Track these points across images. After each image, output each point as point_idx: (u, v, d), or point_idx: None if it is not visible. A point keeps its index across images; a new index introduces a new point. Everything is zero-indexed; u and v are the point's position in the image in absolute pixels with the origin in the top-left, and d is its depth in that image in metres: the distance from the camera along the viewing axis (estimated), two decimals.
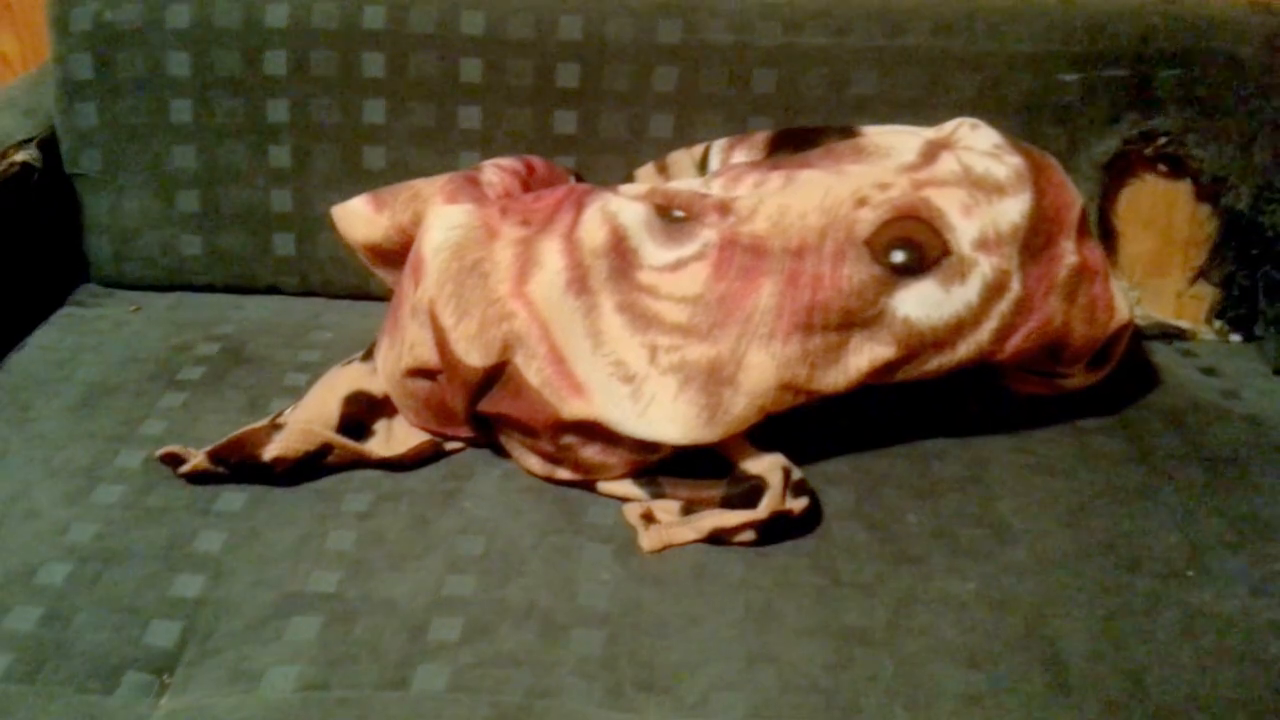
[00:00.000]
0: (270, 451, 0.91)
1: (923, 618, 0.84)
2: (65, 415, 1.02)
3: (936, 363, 0.95)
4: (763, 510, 0.89)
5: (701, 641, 0.81)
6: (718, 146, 1.15)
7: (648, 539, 0.89)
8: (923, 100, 1.17)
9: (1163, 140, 1.18)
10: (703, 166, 1.15)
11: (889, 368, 0.94)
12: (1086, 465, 1.01)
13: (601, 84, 1.17)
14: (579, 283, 0.93)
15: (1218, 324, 1.25)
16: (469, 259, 0.94)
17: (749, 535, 0.89)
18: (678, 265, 0.95)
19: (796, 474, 0.94)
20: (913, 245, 0.94)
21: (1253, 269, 1.21)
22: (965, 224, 0.96)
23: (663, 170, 1.17)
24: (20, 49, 1.45)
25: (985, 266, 0.95)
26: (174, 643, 0.79)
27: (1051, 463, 1.01)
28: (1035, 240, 0.97)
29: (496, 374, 0.93)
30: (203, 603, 0.81)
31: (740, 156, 1.13)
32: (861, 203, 0.96)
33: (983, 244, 0.95)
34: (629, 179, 1.18)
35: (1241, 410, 1.09)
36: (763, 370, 0.91)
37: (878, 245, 0.94)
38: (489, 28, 1.16)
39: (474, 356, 0.92)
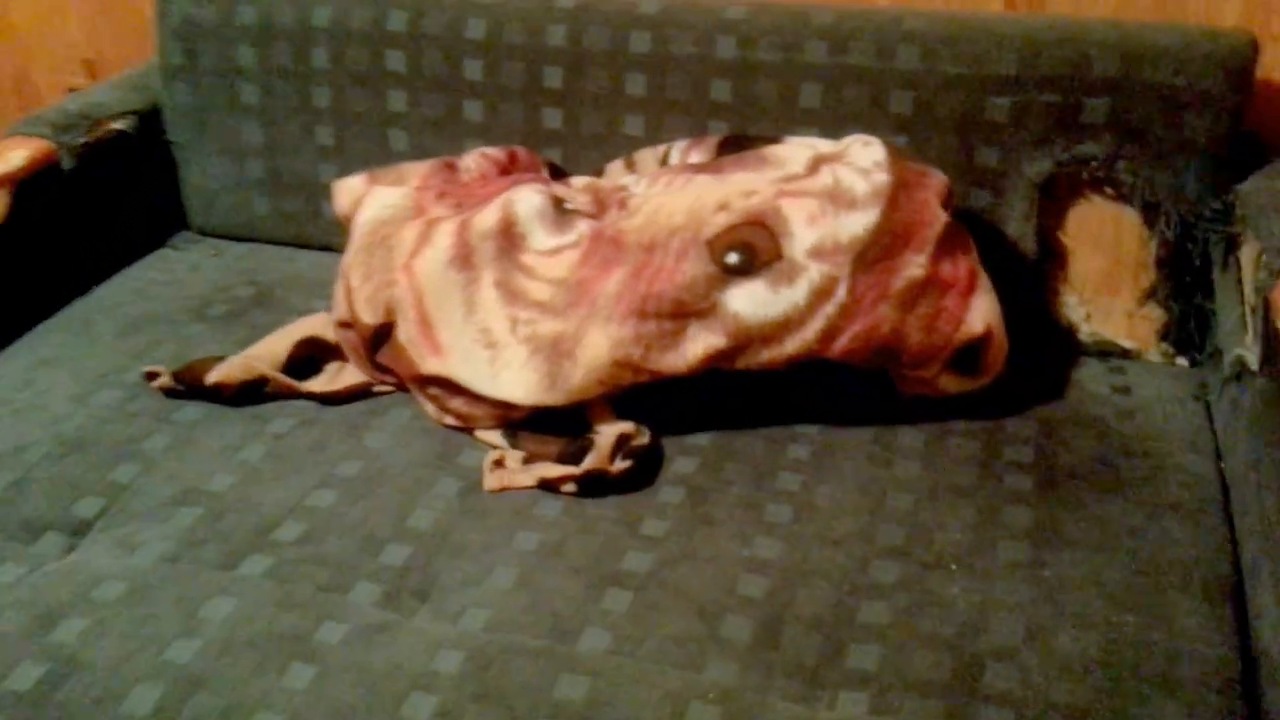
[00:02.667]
0: (211, 377, 1.12)
1: (681, 571, 0.94)
2: (112, 336, 1.27)
3: (767, 355, 1.04)
4: (581, 468, 1.01)
5: (485, 566, 0.95)
6: (678, 147, 1.26)
7: (490, 480, 1.04)
8: (864, 114, 1.23)
9: (1094, 164, 1.19)
10: (664, 163, 1.26)
11: (723, 355, 1.04)
12: (926, 463, 1.06)
13: (583, 86, 1.30)
14: (462, 259, 1.08)
15: (1164, 346, 1.24)
16: (380, 234, 1.11)
17: (570, 487, 1.02)
18: (556, 251, 1.08)
19: (642, 439, 1.05)
20: (748, 249, 1.03)
21: (1188, 296, 1.20)
22: (805, 232, 1.03)
23: (630, 165, 1.29)
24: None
25: (814, 272, 1.02)
26: (93, 515, 1.01)
27: (894, 458, 1.07)
28: (872, 252, 1.04)
29: (385, 332, 1.09)
30: (126, 488, 1.03)
31: (695, 157, 1.23)
32: (722, 207, 1.05)
33: (817, 252, 1.03)
34: (599, 172, 1.31)
35: (1125, 431, 1.11)
36: (598, 348, 1.03)
37: (717, 246, 1.03)
38: (489, 33, 1.32)
39: (367, 315, 1.09)
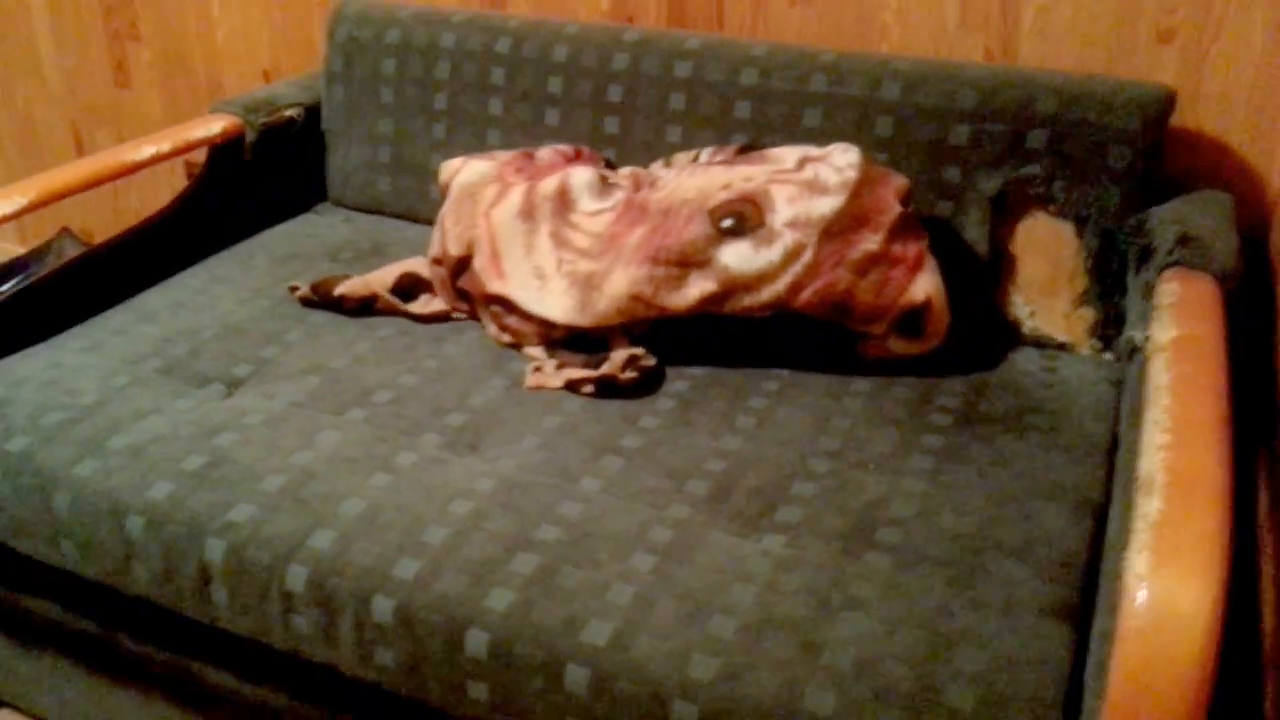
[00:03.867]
0: (338, 289, 1.49)
1: (662, 451, 1.25)
2: (267, 266, 1.65)
3: (748, 301, 1.35)
4: (598, 372, 1.35)
5: (518, 434, 1.28)
6: (706, 152, 1.59)
7: (530, 379, 1.37)
8: (854, 135, 1.54)
9: (1036, 183, 1.47)
10: (694, 163, 1.59)
11: (714, 299, 1.35)
12: (869, 401, 1.35)
13: (636, 101, 1.65)
14: (527, 213, 1.43)
15: (1093, 342, 1.50)
16: (469, 191, 1.47)
17: (589, 388, 1.35)
18: (597, 213, 1.42)
19: (649, 361, 1.38)
20: (739, 217, 1.35)
21: (1110, 297, 1.47)
22: (785, 209, 1.35)
23: (668, 164, 1.62)
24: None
25: (788, 239, 1.34)
26: (245, 375, 1.38)
27: (844, 395, 1.36)
28: (835, 227, 1.34)
29: (465, 263, 1.45)
30: (271, 361, 1.40)
31: (719, 159, 1.56)
32: (725, 187, 1.38)
33: (792, 223, 1.34)
34: (644, 167, 1.65)
35: (1041, 395, 1.36)
36: (619, 284, 1.36)
37: (716, 214, 1.36)
38: (569, 57, 1.67)
39: (454, 249, 1.45)
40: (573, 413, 1.32)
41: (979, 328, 1.51)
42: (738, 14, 1.75)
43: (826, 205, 1.35)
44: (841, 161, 1.40)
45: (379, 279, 1.52)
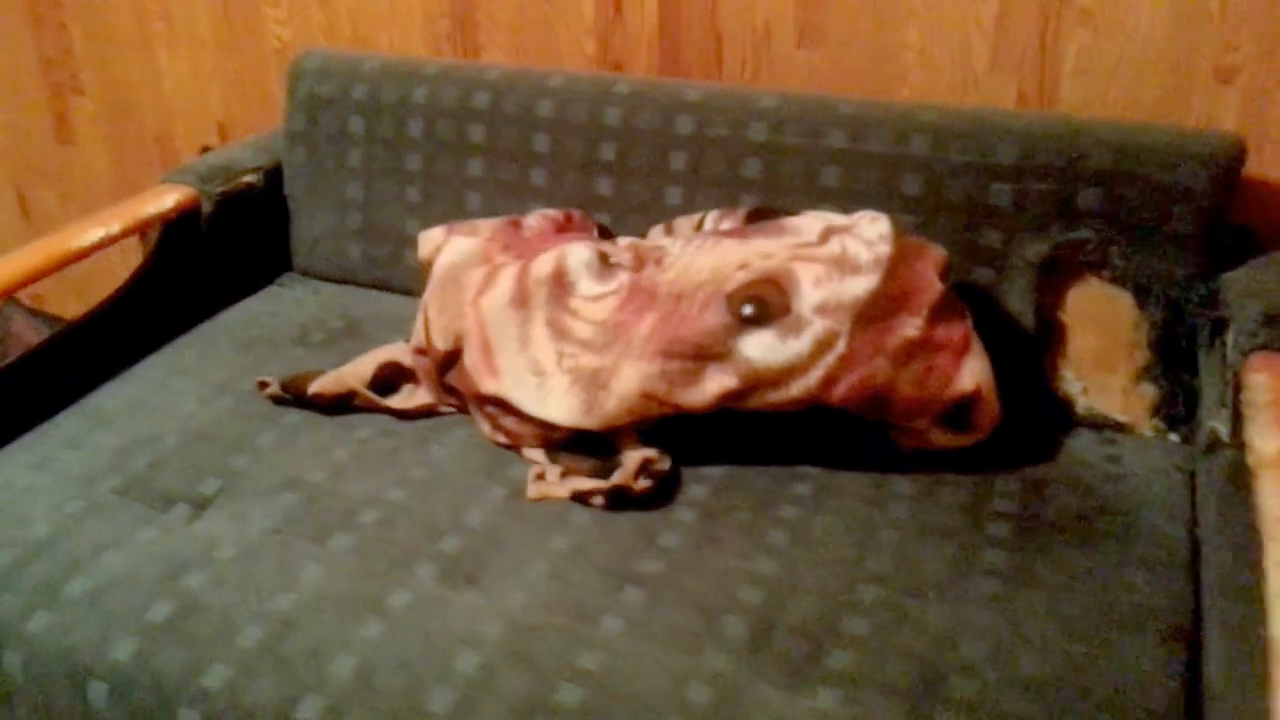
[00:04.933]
0: (312, 388, 1.33)
1: (688, 577, 1.10)
2: (230, 354, 1.49)
3: (774, 397, 1.20)
4: (608, 483, 1.19)
5: (524, 559, 1.12)
6: (711, 216, 1.45)
7: (532, 489, 1.22)
8: (878, 194, 1.40)
9: (1090, 248, 1.33)
10: (699, 228, 1.45)
11: (735, 395, 1.21)
12: (915, 506, 1.19)
13: (632, 160, 1.50)
14: (520, 300, 1.27)
15: (1155, 422, 1.34)
16: (454, 275, 1.31)
17: (599, 500, 1.20)
18: (599, 298, 1.27)
19: (663, 465, 1.23)
20: (761, 302, 1.20)
21: (1176, 375, 1.31)
22: (812, 292, 1.20)
23: (669, 230, 1.48)
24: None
25: (819, 326, 1.19)
26: (213, 493, 1.21)
27: (887, 500, 1.20)
28: (871, 312, 1.20)
29: (454, 357, 1.29)
30: (241, 473, 1.24)
31: (726, 224, 1.41)
32: (742, 266, 1.23)
33: (821, 309, 1.19)
34: (643, 235, 1.50)
35: (1107, 493, 1.20)
36: (629, 381, 1.21)
37: (735, 299, 1.21)
38: (555, 112, 1.52)
39: (440, 342, 1.29)
40: (582, 529, 1.17)
41: (1027, 408, 1.37)
42: (737, 58, 1.61)
43: (859, 286, 1.20)
44: (871, 233, 1.25)
45: (356, 373, 1.36)
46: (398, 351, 1.40)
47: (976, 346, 1.24)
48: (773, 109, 1.44)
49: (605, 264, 1.31)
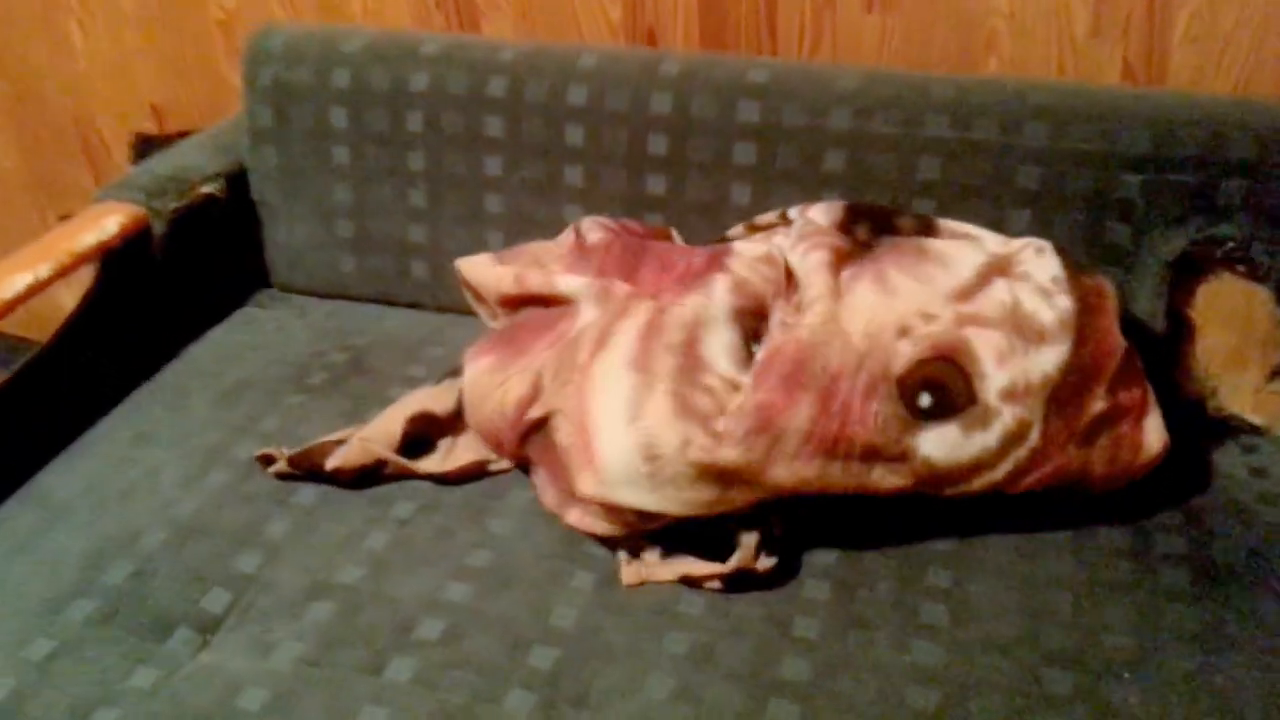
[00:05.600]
0: (331, 462, 1.08)
1: (843, 682, 0.90)
2: (210, 406, 1.22)
3: (950, 491, 1.01)
4: (729, 565, 0.98)
5: (639, 671, 0.91)
6: (794, 211, 1.20)
7: (628, 573, 1.00)
8: (986, 189, 1.20)
9: (1230, 245, 1.16)
10: (783, 219, 1.21)
11: (906, 491, 1.00)
12: (1077, 556, 1.03)
13: (687, 154, 1.27)
14: (641, 360, 1.03)
15: None
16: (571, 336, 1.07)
17: (715, 584, 0.98)
18: (738, 385, 1.03)
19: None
20: (942, 390, 0.99)
21: None
22: (997, 373, 1.00)
23: (751, 229, 1.24)
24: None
25: (1008, 416, 0.99)
26: (222, 610, 0.96)
27: (1042, 549, 1.03)
28: (1064, 392, 1.00)
29: (542, 424, 1.05)
30: (253, 579, 0.99)
31: (817, 215, 1.17)
32: (904, 333, 1.01)
33: (1010, 394, 0.99)
34: (722, 239, 1.26)
35: (1269, 519, 1.07)
36: (780, 480, 0.99)
37: (908, 384, 0.99)
38: (590, 99, 1.28)
39: (537, 410, 1.05)
40: (700, 623, 0.96)
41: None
42: (793, 25, 1.38)
43: (1048, 361, 1.00)
44: (1043, 275, 1.05)
45: (382, 434, 1.11)
46: (427, 399, 1.16)
47: (1153, 398, 1.06)
48: (856, 91, 1.22)
49: (749, 347, 1.07)
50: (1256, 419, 1.22)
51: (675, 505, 0.99)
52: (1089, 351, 1.01)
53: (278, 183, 1.42)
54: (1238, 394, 1.22)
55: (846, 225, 1.14)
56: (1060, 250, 1.08)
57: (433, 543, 1.04)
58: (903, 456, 0.98)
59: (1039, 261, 1.06)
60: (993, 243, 1.10)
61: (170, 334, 1.36)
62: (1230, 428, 1.21)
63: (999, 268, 1.06)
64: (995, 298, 1.03)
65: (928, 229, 1.14)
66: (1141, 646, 0.93)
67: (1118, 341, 1.03)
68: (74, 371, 1.25)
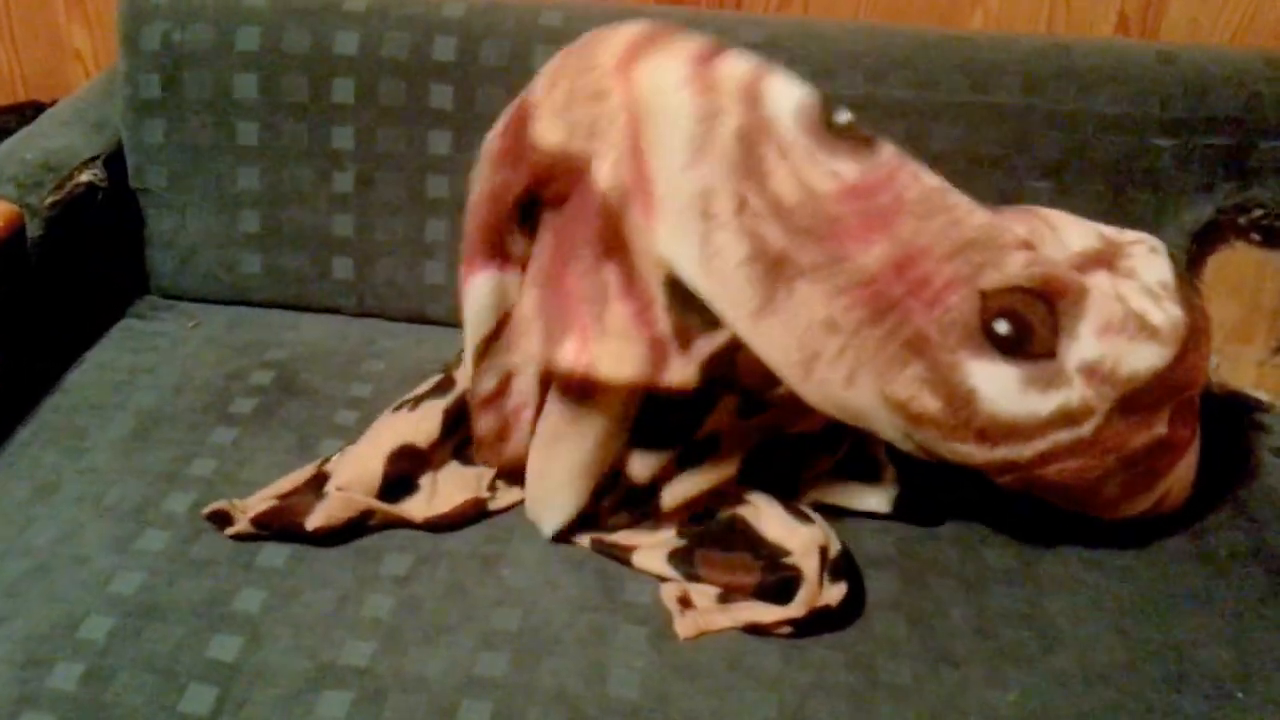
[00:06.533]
0: (313, 522, 0.94)
1: None
2: (117, 447, 1.06)
3: (965, 450, 0.94)
4: (799, 607, 0.90)
5: None
6: None
7: (683, 625, 0.91)
8: (1005, 158, 1.16)
9: (1258, 213, 1.16)
10: None
11: (927, 422, 0.93)
12: (1145, 564, 1.00)
13: None
14: (702, 87, 0.91)
15: None
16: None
17: (785, 630, 0.91)
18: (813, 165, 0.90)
19: (835, 548, 0.95)
20: (1024, 326, 0.90)
21: None
22: (1092, 340, 0.91)
23: None
24: (93, 45, 1.49)
25: (1074, 393, 0.91)
26: (209, 710, 0.82)
27: (1107, 559, 1.00)
28: (1140, 400, 0.93)
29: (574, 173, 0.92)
30: (239, 668, 0.85)
31: None
32: (1025, 245, 0.91)
33: (1092, 369, 0.91)
34: None
35: None
36: (812, 306, 0.90)
37: (992, 302, 0.90)
38: None
39: (554, 133, 0.93)
40: (780, 678, 0.88)
41: None
42: None
43: (1145, 360, 0.92)
44: (1152, 276, 0.98)
45: (360, 477, 0.99)
46: (407, 430, 1.04)
47: (1197, 446, 1.02)
48: (864, 50, 1.16)
49: (829, 124, 0.92)
50: (1261, 394, 1.22)
51: (722, 290, 0.89)
52: (1182, 372, 0.94)
53: (166, 167, 1.24)
54: (1240, 368, 1.22)
55: None
56: (1174, 256, 1.02)
57: (446, 604, 0.92)
58: (949, 371, 0.90)
59: (1150, 260, 0.99)
60: (1104, 227, 1.04)
61: (43, 357, 1.18)
62: (1234, 405, 1.20)
63: (1106, 256, 1.00)
64: (1101, 286, 0.96)
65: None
66: (1242, 660, 0.92)
67: (1202, 374, 0.97)
68: None
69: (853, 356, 0.90)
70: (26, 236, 1.12)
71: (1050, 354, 0.91)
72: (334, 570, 0.94)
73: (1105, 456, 0.94)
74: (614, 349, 0.91)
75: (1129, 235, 1.03)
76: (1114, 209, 1.16)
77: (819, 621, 0.92)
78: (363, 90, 1.19)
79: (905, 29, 1.18)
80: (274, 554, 0.95)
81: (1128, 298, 0.95)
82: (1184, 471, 1.00)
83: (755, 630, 0.91)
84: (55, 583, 0.91)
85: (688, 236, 0.89)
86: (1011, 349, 0.90)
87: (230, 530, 0.95)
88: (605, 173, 0.91)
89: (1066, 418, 0.91)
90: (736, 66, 0.92)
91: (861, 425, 0.94)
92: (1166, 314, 0.94)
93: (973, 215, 0.91)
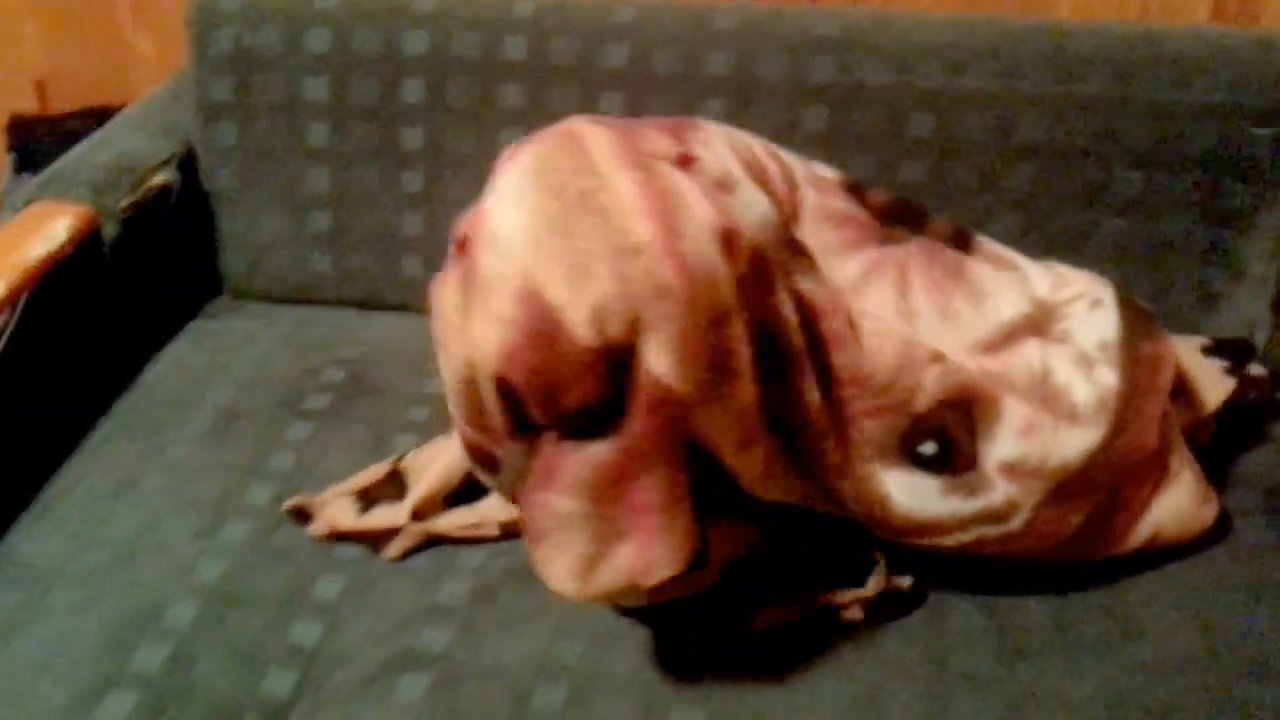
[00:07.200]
0: (389, 553, 1.05)
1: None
2: (197, 443, 1.18)
3: (883, 536, 1.00)
4: (871, 587, 0.99)
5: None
6: (802, 168, 1.10)
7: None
8: (1092, 149, 1.24)
9: None
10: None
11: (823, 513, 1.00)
12: (1225, 553, 1.06)
13: (747, 121, 1.27)
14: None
15: None
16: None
17: (856, 613, 0.99)
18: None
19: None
20: (945, 442, 0.97)
21: None
22: (1010, 443, 0.97)
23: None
24: (158, 51, 1.64)
25: (998, 493, 0.97)
26: (289, 692, 0.93)
27: (1186, 547, 1.06)
28: (1073, 488, 0.98)
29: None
30: (318, 653, 0.96)
31: (839, 204, 1.08)
32: (937, 361, 0.98)
33: (1012, 469, 0.97)
34: None
35: None
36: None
37: (919, 426, 0.97)
38: (631, 60, 1.28)
39: (588, 331, 0.85)
40: (853, 666, 0.97)
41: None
42: None
43: (1072, 448, 0.97)
44: (1090, 337, 1.02)
45: (430, 497, 1.08)
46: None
47: (1177, 469, 1.05)
48: (946, 42, 1.25)
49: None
50: None
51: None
52: (1122, 444, 0.98)
53: (237, 169, 1.37)
54: None
55: (858, 192, 1.10)
56: (1126, 303, 1.05)
57: (520, 592, 1.02)
58: (862, 481, 0.97)
59: (1090, 318, 1.03)
60: (1040, 283, 1.06)
61: (120, 356, 1.31)
62: None
63: (1037, 323, 1.04)
64: (1023, 360, 1.01)
65: (962, 242, 1.10)
66: None
67: (1153, 436, 1.01)
68: (12, 412, 1.18)
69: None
70: (103, 238, 1.24)
71: (972, 466, 0.97)
72: (410, 560, 1.05)
73: (1044, 539, 1.00)
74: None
75: (1070, 289, 1.06)
76: (1209, 200, 1.24)
77: (887, 608, 1.00)
78: (432, 90, 1.31)
79: (987, 18, 1.27)
80: (352, 545, 1.06)
81: (1055, 371, 1.00)
82: (1165, 514, 1.04)
83: (825, 615, 0.99)
84: (139, 571, 1.03)
85: None
86: (935, 466, 0.98)
87: (309, 530, 1.06)
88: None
89: (991, 516, 0.98)
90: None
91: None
92: (1096, 385, 0.99)
93: (888, 341, 0.97)
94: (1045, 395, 0.99)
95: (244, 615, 0.99)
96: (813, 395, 0.94)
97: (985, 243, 1.11)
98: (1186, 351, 1.15)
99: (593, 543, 0.88)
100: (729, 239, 0.86)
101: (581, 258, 0.83)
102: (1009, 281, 1.06)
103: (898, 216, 1.09)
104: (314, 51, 1.32)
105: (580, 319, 0.82)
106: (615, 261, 0.82)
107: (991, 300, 1.04)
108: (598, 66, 1.28)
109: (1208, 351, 1.19)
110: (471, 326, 0.86)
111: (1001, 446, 0.98)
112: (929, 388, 0.97)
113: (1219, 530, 1.08)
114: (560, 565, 0.89)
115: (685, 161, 0.93)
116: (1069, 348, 1.02)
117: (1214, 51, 1.21)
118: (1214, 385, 1.13)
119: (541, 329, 0.83)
